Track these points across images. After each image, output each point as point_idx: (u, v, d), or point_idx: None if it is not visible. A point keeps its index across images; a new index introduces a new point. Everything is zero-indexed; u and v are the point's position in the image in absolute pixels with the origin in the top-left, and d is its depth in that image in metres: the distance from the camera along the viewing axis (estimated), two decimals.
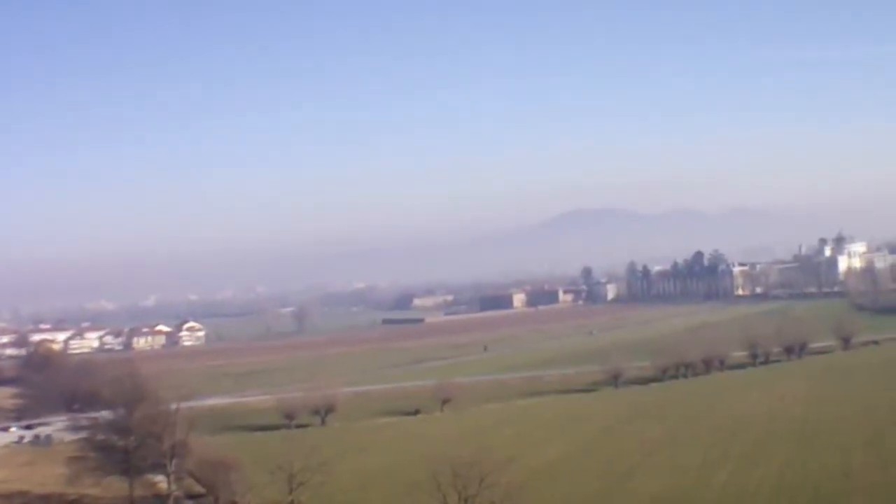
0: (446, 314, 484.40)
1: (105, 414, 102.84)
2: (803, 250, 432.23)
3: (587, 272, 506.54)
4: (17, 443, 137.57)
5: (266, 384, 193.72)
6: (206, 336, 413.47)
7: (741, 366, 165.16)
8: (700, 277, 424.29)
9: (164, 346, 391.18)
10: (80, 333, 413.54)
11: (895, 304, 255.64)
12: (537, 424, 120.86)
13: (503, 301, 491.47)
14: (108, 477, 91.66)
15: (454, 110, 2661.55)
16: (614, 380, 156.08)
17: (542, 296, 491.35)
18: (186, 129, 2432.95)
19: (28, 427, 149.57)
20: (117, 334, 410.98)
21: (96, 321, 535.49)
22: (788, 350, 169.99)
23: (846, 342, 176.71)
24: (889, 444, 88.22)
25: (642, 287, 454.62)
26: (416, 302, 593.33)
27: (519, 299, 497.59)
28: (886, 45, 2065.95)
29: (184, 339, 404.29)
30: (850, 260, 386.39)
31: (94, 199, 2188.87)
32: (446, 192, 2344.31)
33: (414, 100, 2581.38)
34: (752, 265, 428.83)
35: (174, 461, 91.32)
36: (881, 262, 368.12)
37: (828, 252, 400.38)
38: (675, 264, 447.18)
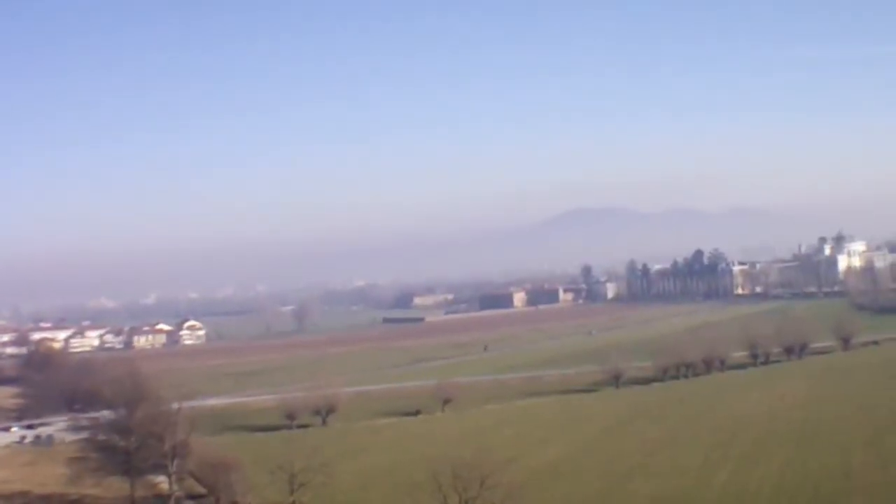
0: (446, 313, 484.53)
1: (106, 414, 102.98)
2: (803, 249, 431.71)
3: (587, 271, 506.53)
4: (18, 443, 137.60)
5: (266, 384, 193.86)
6: (207, 335, 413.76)
7: (741, 366, 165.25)
8: (700, 276, 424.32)
9: (164, 344, 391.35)
10: (80, 332, 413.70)
11: (895, 303, 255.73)
12: (537, 425, 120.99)
13: (503, 300, 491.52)
14: (110, 477, 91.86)
15: (454, 110, 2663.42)
16: (615, 380, 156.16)
17: (542, 295, 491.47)
18: (187, 128, 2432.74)
19: (29, 427, 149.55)
20: (118, 333, 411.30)
21: (97, 320, 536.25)
22: (788, 350, 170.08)
23: (846, 342, 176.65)
24: (889, 444, 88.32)
25: (642, 286, 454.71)
26: (417, 301, 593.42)
27: (519, 298, 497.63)
28: (886, 45, 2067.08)
29: (184, 337, 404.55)
30: (849, 259, 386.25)
31: (95, 198, 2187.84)
32: (447, 191, 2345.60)
33: (414, 99, 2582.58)
34: (752, 264, 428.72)
35: (175, 462, 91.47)
36: (881, 262, 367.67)
37: (827, 251, 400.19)
38: (675, 263, 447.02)
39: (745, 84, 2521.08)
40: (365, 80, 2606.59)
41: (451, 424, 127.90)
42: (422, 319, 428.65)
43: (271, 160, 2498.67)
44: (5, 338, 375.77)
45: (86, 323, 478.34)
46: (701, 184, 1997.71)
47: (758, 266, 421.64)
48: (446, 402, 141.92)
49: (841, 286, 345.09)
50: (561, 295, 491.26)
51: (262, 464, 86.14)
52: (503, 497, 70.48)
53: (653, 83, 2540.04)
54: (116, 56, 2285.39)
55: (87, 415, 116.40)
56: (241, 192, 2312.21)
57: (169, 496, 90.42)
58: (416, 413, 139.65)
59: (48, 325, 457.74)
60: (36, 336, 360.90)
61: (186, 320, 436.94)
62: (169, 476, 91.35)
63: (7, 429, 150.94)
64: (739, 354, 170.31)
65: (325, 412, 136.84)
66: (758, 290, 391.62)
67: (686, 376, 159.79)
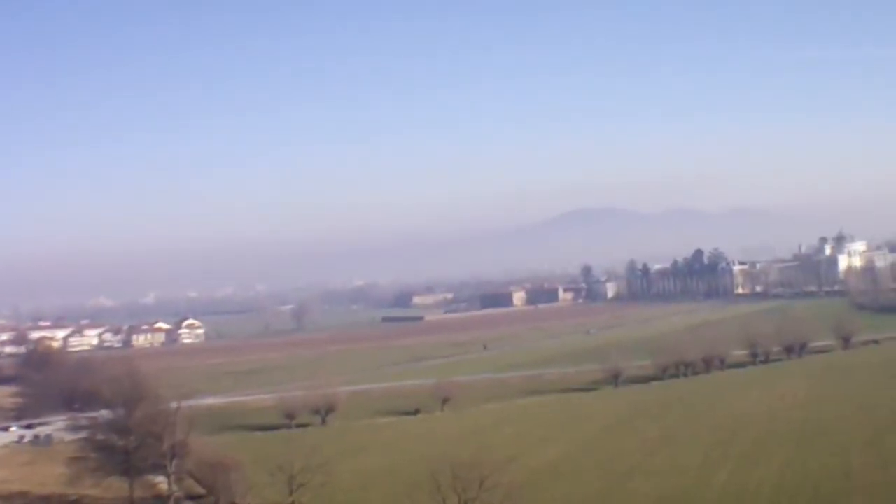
0: (446, 312, 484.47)
1: (105, 413, 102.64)
2: (803, 249, 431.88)
3: (587, 270, 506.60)
4: (17, 442, 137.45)
5: (266, 383, 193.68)
6: (206, 334, 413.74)
7: (741, 365, 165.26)
8: (700, 276, 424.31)
9: (163, 343, 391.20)
10: (79, 331, 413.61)
11: (895, 303, 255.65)
12: (537, 424, 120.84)
13: (503, 299, 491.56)
14: (109, 477, 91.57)
15: (454, 110, 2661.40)
16: (614, 379, 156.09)
17: (542, 294, 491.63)
18: (187, 128, 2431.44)
19: (28, 427, 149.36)
20: (117, 332, 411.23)
21: (96, 318, 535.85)
22: (788, 349, 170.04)
23: (846, 341, 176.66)
24: (889, 444, 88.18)
25: (642, 285, 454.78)
26: (416, 300, 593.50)
27: (519, 297, 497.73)
28: (886, 46, 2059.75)
29: (183, 336, 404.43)
30: (850, 259, 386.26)
31: (95, 198, 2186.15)
32: (446, 191, 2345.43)
33: (414, 99, 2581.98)
34: (752, 264, 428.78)
35: (174, 462, 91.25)
36: (881, 261, 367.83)
37: (828, 251, 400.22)
38: (675, 263, 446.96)
39: (745, 84, 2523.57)
40: (365, 80, 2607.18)
41: (451, 423, 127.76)
42: (421, 318, 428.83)
43: (271, 160, 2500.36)
44: (4, 337, 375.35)
45: (85, 322, 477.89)
46: (701, 184, 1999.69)
47: (758, 266, 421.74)
48: (445, 401, 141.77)
49: (841, 286, 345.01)
50: (561, 294, 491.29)
51: (262, 463, 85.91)
52: (503, 497, 70.26)
53: (653, 83, 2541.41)
54: (116, 56, 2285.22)
55: (85, 414, 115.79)
56: (241, 192, 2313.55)
57: (168, 496, 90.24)
58: (416, 412, 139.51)
59: (47, 323, 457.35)
60: (35, 335, 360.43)
61: (185, 319, 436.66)
62: (168, 476, 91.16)
63: (6, 428, 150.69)
64: (739, 353, 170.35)
65: (325, 411, 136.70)
66: (758, 289, 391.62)
67: (686, 375, 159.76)
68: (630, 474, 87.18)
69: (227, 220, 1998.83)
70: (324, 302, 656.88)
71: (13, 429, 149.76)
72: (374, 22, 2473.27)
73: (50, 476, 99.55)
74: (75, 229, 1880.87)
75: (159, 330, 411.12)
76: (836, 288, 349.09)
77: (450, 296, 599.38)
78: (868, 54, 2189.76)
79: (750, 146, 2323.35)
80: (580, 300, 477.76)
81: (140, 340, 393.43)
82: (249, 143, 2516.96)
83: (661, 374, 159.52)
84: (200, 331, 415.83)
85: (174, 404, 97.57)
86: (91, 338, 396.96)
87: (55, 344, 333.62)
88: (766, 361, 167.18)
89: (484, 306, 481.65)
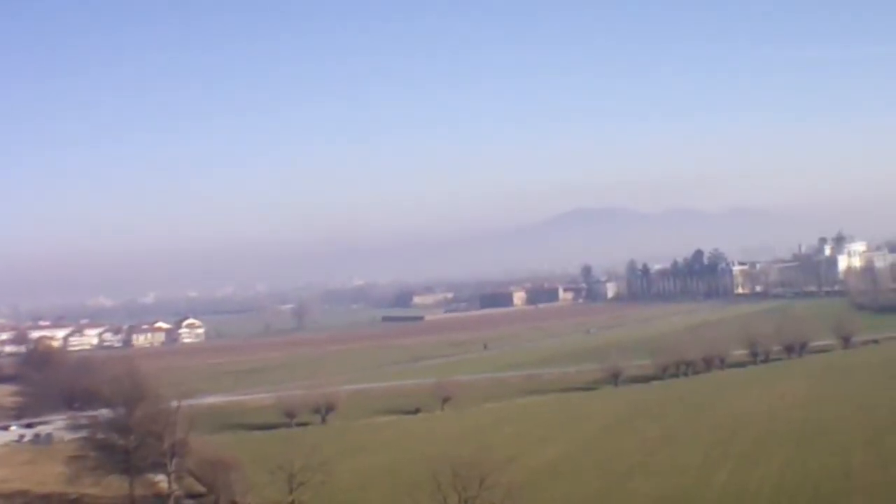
0: (446, 312, 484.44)
1: (105, 412, 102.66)
2: (803, 249, 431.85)
3: (587, 270, 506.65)
4: (17, 441, 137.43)
5: (266, 382, 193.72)
6: (206, 333, 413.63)
7: (741, 364, 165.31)
8: (700, 276, 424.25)
9: (163, 343, 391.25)
10: (79, 330, 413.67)
11: (895, 303, 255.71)
12: (537, 423, 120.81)
13: (503, 299, 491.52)
14: (109, 476, 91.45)
15: (454, 109, 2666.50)
16: (614, 378, 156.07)
17: (542, 294, 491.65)
18: (187, 128, 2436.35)
19: (28, 426, 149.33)
20: (117, 331, 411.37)
21: (96, 318, 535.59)
22: (788, 349, 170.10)
23: (846, 341, 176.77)
24: (889, 444, 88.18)
25: (642, 285, 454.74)
26: (416, 299, 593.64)
27: (519, 297, 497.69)
28: (887, 46, 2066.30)
29: (183, 336, 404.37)
30: (849, 259, 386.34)
31: (95, 197, 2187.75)
32: (447, 191, 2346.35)
33: (414, 99, 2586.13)
34: (752, 264, 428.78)
35: (174, 460, 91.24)
36: (881, 262, 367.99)
37: (828, 251, 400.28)
38: (675, 263, 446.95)
39: (745, 84, 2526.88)
40: (365, 80, 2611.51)
41: (451, 423, 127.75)
42: (421, 318, 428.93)
43: (271, 160, 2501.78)
44: (4, 336, 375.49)
45: (85, 321, 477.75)
46: (701, 184, 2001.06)
47: (758, 266, 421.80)
48: (445, 400, 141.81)
49: (841, 286, 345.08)
50: (561, 294, 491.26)
51: (262, 463, 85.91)
52: (503, 496, 70.16)
53: (653, 83, 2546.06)
54: (116, 56, 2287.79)
55: (85, 413, 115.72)
56: (241, 192, 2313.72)
57: (168, 495, 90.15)
58: (416, 411, 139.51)
59: (47, 323, 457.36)
60: (35, 334, 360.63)
61: (185, 319, 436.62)
62: (168, 475, 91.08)
63: (6, 427, 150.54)
64: (739, 353, 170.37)
65: (325, 410, 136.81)
66: (758, 289, 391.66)
67: (686, 374, 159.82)
68: (630, 474, 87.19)
69: (227, 220, 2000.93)
70: (324, 301, 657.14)
71: (13, 428, 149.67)
72: (374, 22, 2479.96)
73: (50, 475, 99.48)
74: (75, 229, 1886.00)
75: (159, 329, 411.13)
76: (836, 288, 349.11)
77: (450, 295, 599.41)
78: (868, 54, 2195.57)
79: (750, 146, 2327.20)
80: (580, 300, 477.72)
81: (140, 340, 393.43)
82: (249, 143, 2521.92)
83: (661, 374, 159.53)
84: (200, 330, 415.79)
85: (174, 403, 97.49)
86: (91, 337, 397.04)
87: (55, 343, 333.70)
88: (766, 361, 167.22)
89: (484, 306, 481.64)
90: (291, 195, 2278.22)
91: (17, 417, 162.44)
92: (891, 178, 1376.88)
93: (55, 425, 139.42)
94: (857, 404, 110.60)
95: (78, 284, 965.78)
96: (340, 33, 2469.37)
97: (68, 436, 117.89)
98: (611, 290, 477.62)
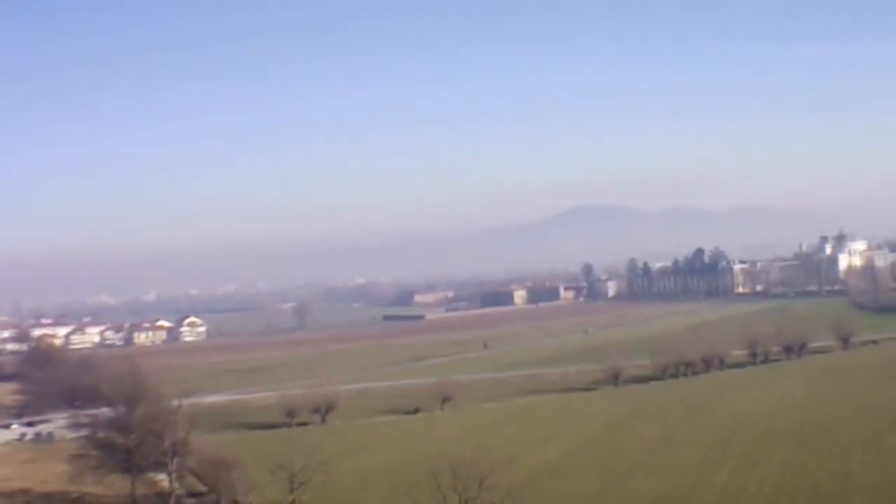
0: (447, 310, 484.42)
1: (106, 411, 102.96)
2: (804, 248, 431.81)
3: (588, 269, 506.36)
4: (18, 440, 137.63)
5: (267, 381, 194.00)
6: (207, 331, 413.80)
7: (741, 364, 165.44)
8: (701, 275, 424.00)
9: (164, 341, 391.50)
10: (80, 328, 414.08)
11: (895, 302, 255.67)
12: (537, 423, 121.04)
13: (504, 298, 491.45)
14: (110, 475, 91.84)
15: (455, 109, 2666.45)
16: (614, 378, 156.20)
17: (542, 292, 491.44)
18: (188, 126, 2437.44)
19: (29, 424, 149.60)
20: (118, 329, 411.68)
21: (97, 316, 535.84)
22: (788, 349, 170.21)
23: (846, 341, 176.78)
24: (888, 444, 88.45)
25: (643, 284, 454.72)
26: (417, 298, 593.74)
27: (519, 296, 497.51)
28: (887, 45, 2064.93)
29: (184, 334, 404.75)
30: (850, 258, 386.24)
31: (96, 197, 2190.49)
32: (447, 190, 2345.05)
33: (415, 98, 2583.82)
34: (753, 263, 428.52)
35: (175, 459, 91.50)
36: (881, 261, 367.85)
37: (828, 250, 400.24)
38: (676, 262, 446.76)
39: (745, 84, 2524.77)
40: (365, 79, 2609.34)
41: (451, 423, 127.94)
42: (422, 317, 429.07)
43: (272, 157, 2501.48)
44: (6, 334, 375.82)
45: (86, 319, 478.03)
46: (701, 183, 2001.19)
47: (758, 265, 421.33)
48: (446, 400, 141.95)
49: (842, 285, 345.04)
50: (562, 293, 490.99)
51: (263, 462, 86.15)
52: (503, 497, 70.32)
53: (653, 83, 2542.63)
54: (116, 56, 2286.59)
55: (87, 412, 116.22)
56: (241, 191, 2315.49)
57: (169, 494, 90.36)
58: (416, 411, 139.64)
59: (49, 321, 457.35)
60: (36, 332, 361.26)
61: (187, 317, 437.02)
62: (169, 474, 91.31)
63: (7, 426, 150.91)
64: (739, 353, 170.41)
65: (325, 410, 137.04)
66: (758, 288, 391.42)
67: (685, 375, 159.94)
68: (630, 474, 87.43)
69: (228, 219, 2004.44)
70: (325, 300, 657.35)
71: (15, 426, 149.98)
72: (374, 22, 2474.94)
73: (51, 474, 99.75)
74: (77, 227, 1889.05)
75: (161, 328, 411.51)
76: (837, 287, 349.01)
77: (451, 294, 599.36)
78: (868, 53, 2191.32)
79: (750, 145, 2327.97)
80: (581, 299, 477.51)
81: (141, 338, 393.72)
82: (249, 143, 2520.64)
83: (661, 374, 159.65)
84: (202, 329, 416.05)
85: (175, 402, 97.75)
86: (93, 335, 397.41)
87: (57, 341, 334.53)
88: (765, 361, 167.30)
89: (484, 305, 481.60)
90: (292, 195, 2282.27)
91: (19, 416, 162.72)
92: (891, 178, 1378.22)
93: (57, 424, 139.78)
94: (857, 404, 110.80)
95: (80, 283, 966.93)
96: (340, 33, 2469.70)
97: (70, 434, 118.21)
98: (611, 288, 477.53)
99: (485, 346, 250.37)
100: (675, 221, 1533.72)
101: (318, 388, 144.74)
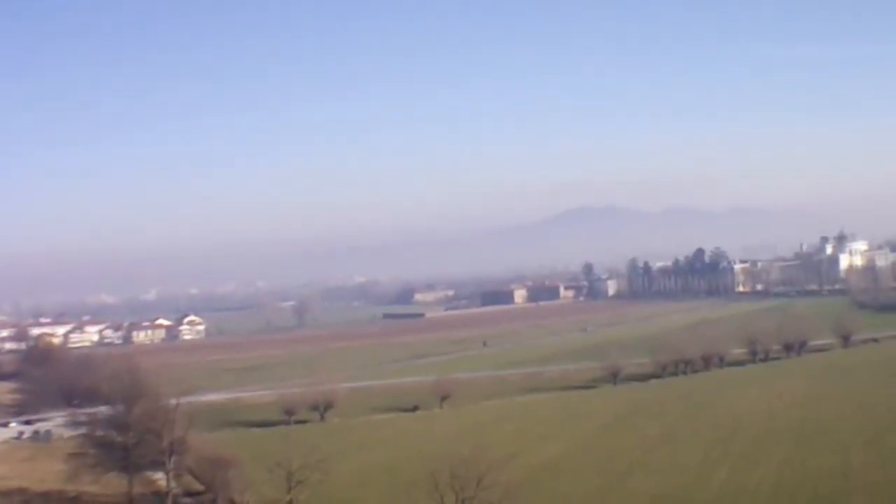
0: (447, 309, 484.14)
1: (104, 409, 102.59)
2: (805, 248, 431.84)
3: (588, 268, 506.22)
4: (16, 438, 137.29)
5: (266, 379, 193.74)
6: (207, 330, 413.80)
7: (741, 363, 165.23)
8: (701, 274, 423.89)
9: (164, 339, 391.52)
10: (80, 327, 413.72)
11: (895, 301, 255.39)
12: (537, 421, 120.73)
13: (504, 296, 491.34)
14: (108, 474, 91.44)
15: (455, 109, 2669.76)
16: (614, 376, 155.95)
17: (542, 291, 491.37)
18: (188, 126, 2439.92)
19: (27, 422, 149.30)
20: (117, 328, 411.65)
21: (96, 315, 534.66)
22: (788, 347, 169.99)
23: (846, 340, 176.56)
24: (889, 443, 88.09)
25: (643, 283, 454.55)
26: (417, 297, 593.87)
27: (520, 295, 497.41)
28: (887, 45, 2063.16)
29: (184, 332, 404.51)
30: (851, 258, 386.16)
31: (96, 196, 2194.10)
32: (448, 189, 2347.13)
33: (415, 98, 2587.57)
34: (754, 262, 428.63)
35: (173, 458, 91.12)
36: (882, 261, 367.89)
37: (829, 250, 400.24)
38: (677, 261, 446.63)
39: (745, 84, 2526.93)
40: (364, 79, 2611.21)
41: (450, 421, 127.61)
42: (422, 315, 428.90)
43: (273, 157, 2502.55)
44: (5, 333, 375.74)
45: (85, 318, 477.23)
46: (701, 183, 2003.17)
47: (759, 264, 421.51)
48: (445, 398, 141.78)
49: (842, 285, 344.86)
50: (562, 292, 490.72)
51: (260, 460, 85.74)
52: (501, 495, 69.82)
53: (653, 83, 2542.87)
54: (116, 56, 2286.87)
55: (85, 410, 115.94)
56: (241, 191, 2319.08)
57: (167, 493, 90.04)
58: (415, 409, 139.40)
59: (48, 320, 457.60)
60: (35, 331, 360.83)
61: (186, 316, 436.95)
62: (167, 473, 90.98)
63: (5, 424, 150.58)
64: (739, 351, 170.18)
65: (324, 408, 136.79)
66: (759, 288, 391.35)
67: (685, 373, 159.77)
68: (629, 472, 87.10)
69: (228, 219, 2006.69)
70: (325, 299, 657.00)
71: (13, 425, 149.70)
72: (374, 22, 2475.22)
73: (49, 472, 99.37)
74: (76, 227, 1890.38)
75: (160, 326, 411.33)
76: (838, 287, 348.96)
77: (451, 293, 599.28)
78: (868, 53, 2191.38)
79: (750, 146, 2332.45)
80: (581, 298, 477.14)
81: (140, 337, 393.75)
82: (249, 143, 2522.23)
83: (661, 372, 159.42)
84: (201, 327, 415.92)
85: (173, 401, 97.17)
86: (92, 334, 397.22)
87: (56, 340, 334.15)
88: (765, 360, 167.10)
89: (485, 303, 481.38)
90: (292, 195, 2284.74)
91: (17, 414, 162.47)
92: (891, 178, 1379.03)
93: (55, 422, 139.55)
94: (857, 403, 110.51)
95: (79, 281, 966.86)
96: (340, 33, 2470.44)
97: (67, 433, 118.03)
98: (612, 287, 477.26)
99: (484, 344, 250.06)
100: (675, 221, 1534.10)
101: (317, 386, 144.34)
